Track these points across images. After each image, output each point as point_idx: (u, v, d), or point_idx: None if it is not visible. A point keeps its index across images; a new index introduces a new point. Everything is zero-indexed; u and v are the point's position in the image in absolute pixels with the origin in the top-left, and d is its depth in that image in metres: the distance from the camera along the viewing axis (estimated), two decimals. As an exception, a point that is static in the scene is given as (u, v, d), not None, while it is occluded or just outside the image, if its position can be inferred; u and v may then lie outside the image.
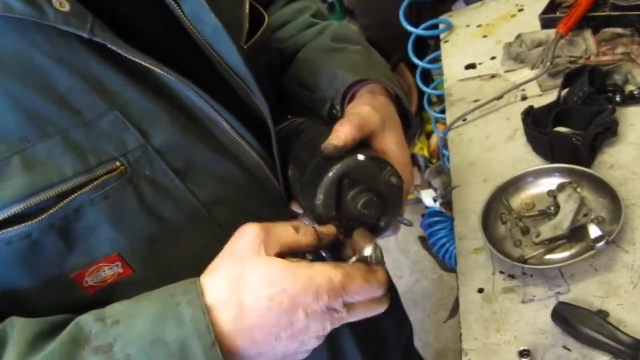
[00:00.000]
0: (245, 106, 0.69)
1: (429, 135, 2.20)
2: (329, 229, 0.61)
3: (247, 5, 0.75)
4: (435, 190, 1.60)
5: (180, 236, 0.64)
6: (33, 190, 0.53)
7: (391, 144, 0.68)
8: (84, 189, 0.55)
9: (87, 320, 0.54)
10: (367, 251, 0.57)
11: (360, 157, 0.62)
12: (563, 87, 1.11)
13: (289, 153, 0.71)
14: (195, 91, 0.61)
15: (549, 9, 1.30)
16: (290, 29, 0.89)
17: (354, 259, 0.58)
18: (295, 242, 0.58)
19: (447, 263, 2.02)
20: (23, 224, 0.54)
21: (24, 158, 0.53)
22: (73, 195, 0.55)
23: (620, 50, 1.13)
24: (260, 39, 0.76)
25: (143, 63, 0.57)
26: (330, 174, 0.61)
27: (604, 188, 0.91)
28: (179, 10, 0.63)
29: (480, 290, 0.92)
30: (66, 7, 0.53)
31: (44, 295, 0.59)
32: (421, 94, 1.93)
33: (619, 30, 1.15)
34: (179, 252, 0.64)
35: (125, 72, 0.57)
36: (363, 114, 0.67)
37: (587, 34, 1.19)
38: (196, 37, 0.64)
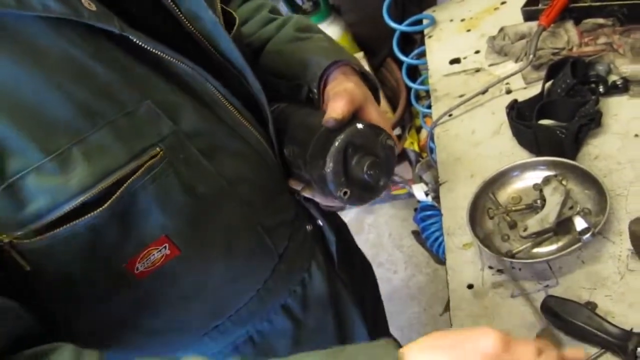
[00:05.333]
0: (240, 93, 0.75)
1: (419, 130, 2.20)
2: (577, 354, 0.58)
3: (219, 6, 0.79)
4: (426, 184, 1.61)
5: (215, 212, 0.69)
6: (95, 179, 0.56)
7: (375, 114, 0.76)
8: (136, 175, 0.59)
9: None
10: None
11: (360, 125, 0.71)
12: (547, 79, 1.12)
13: (282, 135, 0.79)
14: (207, 79, 0.67)
15: (531, 1, 1.30)
16: (252, 26, 0.94)
17: None
18: None
19: (441, 257, 2.03)
20: (89, 215, 0.57)
21: (82, 149, 0.55)
22: (128, 182, 0.58)
23: (602, 40, 1.13)
24: (237, 34, 0.81)
25: (163, 55, 0.62)
26: (337, 143, 0.69)
27: (589, 179, 0.91)
28: (176, 10, 0.68)
29: (470, 286, 0.92)
30: (94, 7, 0.56)
31: (98, 288, 0.63)
32: (409, 89, 1.94)
33: (600, 20, 1.15)
34: (214, 229, 0.70)
35: (147, 64, 0.62)
36: (349, 90, 0.75)
37: (569, 25, 1.19)
38: (193, 32, 0.69)
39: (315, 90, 0.80)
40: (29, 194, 0.54)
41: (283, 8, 2.08)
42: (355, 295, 0.99)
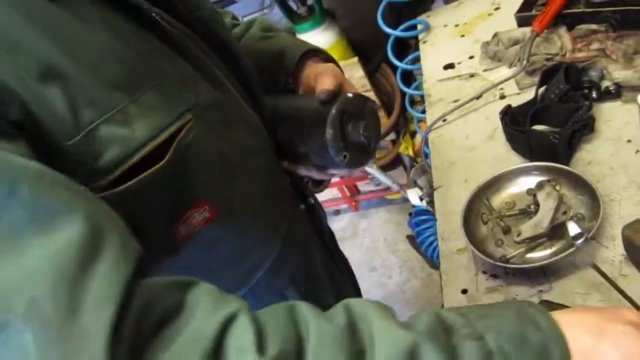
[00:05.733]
0: (237, 77, 0.81)
1: (413, 135, 2.20)
2: None
3: None
4: (421, 189, 1.61)
5: (239, 178, 0.75)
6: (154, 132, 0.60)
7: (354, 89, 0.85)
8: (183, 131, 0.63)
9: (445, 313, 0.55)
10: None
11: (349, 94, 0.80)
12: (540, 84, 1.12)
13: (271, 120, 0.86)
14: (214, 60, 0.74)
15: (525, 7, 1.31)
16: None
17: None
18: None
19: (436, 261, 2.03)
20: (154, 167, 0.60)
21: (137, 106, 0.59)
22: (181, 134, 0.63)
23: (595, 46, 1.14)
24: None
25: (179, 33, 0.67)
26: (333, 110, 0.77)
27: (582, 185, 0.91)
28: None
29: (464, 291, 0.92)
30: None
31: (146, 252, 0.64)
32: (403, 94, 1.94)
33: (593, 26, 1.16)
34: (241, 194, 0.75)
35: (164, 42, 0.66)
36: (331, 68, 0.85)
37: (563, 31, 1.20)
38: (190, 20, 0.74)
39: (290, 80, 0.89)
40: (103, 143, 0.57)
41: (278, 13, 2.08)
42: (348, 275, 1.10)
